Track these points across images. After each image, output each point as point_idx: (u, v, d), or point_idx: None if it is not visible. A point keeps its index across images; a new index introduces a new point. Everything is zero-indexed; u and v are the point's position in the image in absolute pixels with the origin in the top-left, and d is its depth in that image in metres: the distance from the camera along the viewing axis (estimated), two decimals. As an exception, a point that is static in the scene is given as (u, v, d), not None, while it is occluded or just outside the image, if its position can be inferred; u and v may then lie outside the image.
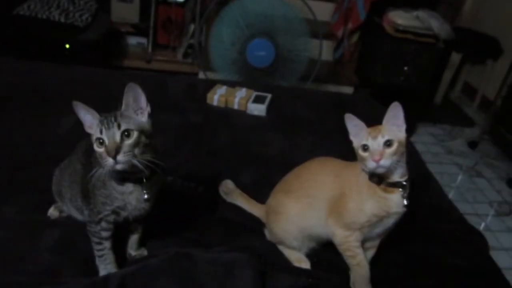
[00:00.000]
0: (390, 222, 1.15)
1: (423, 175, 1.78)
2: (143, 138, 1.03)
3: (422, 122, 3.62)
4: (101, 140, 1.00)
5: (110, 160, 0.99)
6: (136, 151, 1.02)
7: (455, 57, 3.87)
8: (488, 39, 3.78)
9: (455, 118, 3.88)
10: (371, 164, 1.06)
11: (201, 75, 3.22)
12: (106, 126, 1.00)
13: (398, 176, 1.11)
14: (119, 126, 1.01)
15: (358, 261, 1.17)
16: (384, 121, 1.09)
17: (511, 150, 3.27)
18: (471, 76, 4.18)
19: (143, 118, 1.07)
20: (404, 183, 1.11)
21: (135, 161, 1.01)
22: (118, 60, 3.59)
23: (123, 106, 1.05)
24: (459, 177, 3.10)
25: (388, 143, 1.05)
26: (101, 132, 1.00)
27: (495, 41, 3.74)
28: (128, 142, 1.01)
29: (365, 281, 1.18)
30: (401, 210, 1.13)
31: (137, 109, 1.06)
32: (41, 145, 1.64)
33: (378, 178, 1.11)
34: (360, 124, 1.11)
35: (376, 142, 1.06)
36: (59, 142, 1.63)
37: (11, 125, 1.74)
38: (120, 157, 0.99)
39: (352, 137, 1.13)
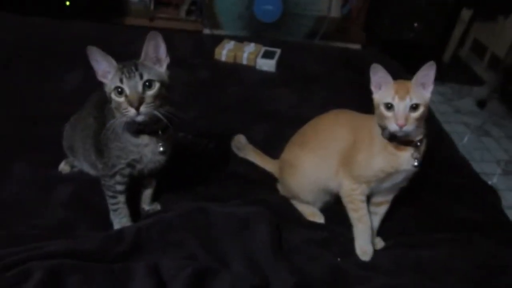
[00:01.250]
0: (399, 178, 1.13)
1: (437, 131, 1.76)
2: (163, 90, 1.00)
3: (430, 81, 3.56)
4: (119, 89, 0.97)
5: (132, 111, 0.96)
6: (157, 102, 0.99)
7: (466, 13, 3.76)
8: (500, -5, 3.67)
9: (464, 77, 3.81)
10: (393, 127, 1.02)
11: (206, 32, 3.15)
12: (127, 74, 0.96)
13: (413, 135, 1.08)
14: (141, 76, 0.97)
15: (360, 215, 1.16)
16: (414, 80, 1.03)
17: (520, 109, 3.24)
18: (481, 33, 4.07)
19: (162, 69, 1.03)
20: (418, 143, 1.08)
21: (156, 112, 0.98)
22: (119, 18, 3.51)
23: (142, 56, 1.01)
24: (467, 136, 3.08)
25: (414, 106, 1.01)
26: (121, 81, 0.97)
27: (508, -4, 3.63)
28: (151, 93, 0.98)
29: (365, 237, 1.16)
30: (410, 168, 1.10)
31: (155, 59, 1.02)
32: (48, 101, 1.61)
33: (391, 135, 1.07)
34: (387, 77, 1.05)
35: (402, 104, 1.00)
36: (65, 98, 1.61)
37: (17, 82, 1.71)
38: (143, 109, 0.96)
39: (373, 88, 1.08)
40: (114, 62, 1.00)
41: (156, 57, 1.02)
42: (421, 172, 1.17)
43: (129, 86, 0.96)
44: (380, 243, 1.22)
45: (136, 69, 0.97)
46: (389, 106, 1.02)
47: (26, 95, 1.64)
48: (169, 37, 2.13)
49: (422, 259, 1.15)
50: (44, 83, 1.73)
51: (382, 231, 1.26)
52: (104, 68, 1.00)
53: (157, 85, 0.99)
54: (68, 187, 1.25)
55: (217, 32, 2.90)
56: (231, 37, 2.20)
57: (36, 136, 1.43)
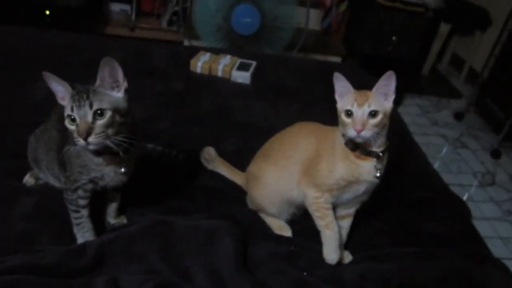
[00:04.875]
0: (360, 189, 1.14)
1: (409, 145, 1.77)
2: (117, 118, 0.97)
3: (409, 93, 3.60)
4: (72, 117, 0.95)
5: (81, 141, 0.94)
6: (110, 131, 0.96)
7: (444, 28, 3.83)
8: (477, 10, 3.75)
9: (442, 90, 3.88)
10: (351, 133, 1.04)
11: (186, 43, 3.15)
12: (77, 103, 0.94)
13: (376, 146, 1.09)
14: (91, 105, 0.94)
15: (327, 222, 1.16)
16: (374, 89, 1.06)
17: (496, 122, 3.28)
18: (459, 48, 4.15)
19: (119, 94, 1.00)
20: (380, 153, 1.10)
21: (107, 142, 0.97)
22: (100, 27, 3.49)
23: (98, 81, 0.98)
24: (444, 148, 3.12)
25: (373, 113, 1.03)
26: (72, 110, 0.95)
27: (484, 11, 3.71)
28: (101, 122, 0.95)
29: (333, 243, 1.16)
30: (371, 179, 1.11)
31: (113, 84, 0.99)
32: (16, 111, 1.59)
33: (354, 145, 1.09)
34: (348, 86, 1.08)
35: (361, 110, 1.03)
36: (34, 107, 1.58)
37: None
38: (91, 139, 0.94)
39: (337, 97, 1.10)
40: (69, 88, 0.97)
41: (113, 82, 0.99)
42: (390, 186, 1.17)
43: (79, 116, 0.94)
44: (348, 257, 1.22)
45: (87, 98, 0.95)
46: (349, 113, 1.05)
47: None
48: (146, 47, 2.17)
49: (387, 272, 1.14)
50: (15, 91, 1.70)
51: (351, 245, 1.26)
52: (61, 92, 0.98)
53: (108, 114, 0.96)
54: (31, 199, 1.22)
55: (196, 43, 2.90)
56: (208, 49, 2.20)
57: (2, 145, 1.40)
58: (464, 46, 4.08)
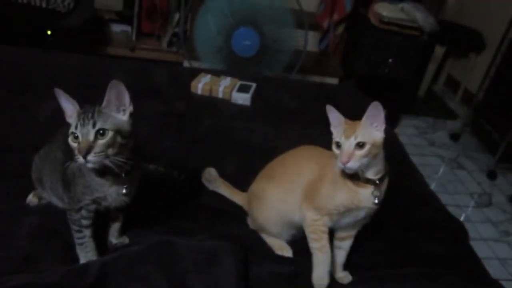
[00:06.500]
0: (360, 215, 1.15)
1: (406, 165, 1.80)
2: (118, 139, 1.00)
3: (406, 114, 3.64)
4: (75, 135, 0.98)
5: (80, 159, 0.96)
6: (110, 151, 0.99)
7: (439, 50, 3.90)
8: (471, 33, 3.82)
9: (438, 111, 3.92)
10: (339, 164, 1.05)
11: (186, 64, 3.19)
12: (81, 122, 0.98)
13: (372, 174, 1.10)
14: (94, 125, 0.97)
15: (321, 245, 1.17)
16: (363, 120, 1.06)
17: (491, 143, 3.31)
18: (454, 69, 4.22)
19: (124, 117, 1.03)
20: (377, 181, 1.11)
21: (106, 162, 0.99)
22: (101, 48, 3.53)
23: (104, 103, 1.01)
24: (441, 169, 3.14)
25: (360, 145, 1.03)
26: (76, 127, 0.98)
27: (479, 34, 3.78)
28: (101, 142, 0.98)
29: (324, 267, 1.17)
30: (370, 205, 1.12)
31: (119, 106, 1.02)
32: (20, 131, 1.60)
33: (350, 173, 1.10)
34: (340, 117, 1.09)
35: (348, 142, 1.04)
36: (38, 128, 1.59)
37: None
38: (90, 157, 0.96)
39: (332, 129, 1.12)
40: (77, 106, 1.01)
41: (119, 105, 1.02)
42: (389, 207, 1.19)
43: (81, 133, 0.97)
44: (347, 277, 1.23)
45: (92, 117, 0.98)
46: (338, 145, 1.06)
47: (-1, 124, 1.64)
48: (147, 68, 2.20)
49: (388, 293, 1.16)
50: (18, 112, 1.72)
51: (350, 265, 1.27)
52: (70, 110, 1.02)
53: (109, 135, 0.98)
54: (35, 219, 1.23)
55: (196, 64, 2.94)
56: (208, 71, 2.23)
57: (6, 165, 1.42)
58: (459, 68, 4.15)
